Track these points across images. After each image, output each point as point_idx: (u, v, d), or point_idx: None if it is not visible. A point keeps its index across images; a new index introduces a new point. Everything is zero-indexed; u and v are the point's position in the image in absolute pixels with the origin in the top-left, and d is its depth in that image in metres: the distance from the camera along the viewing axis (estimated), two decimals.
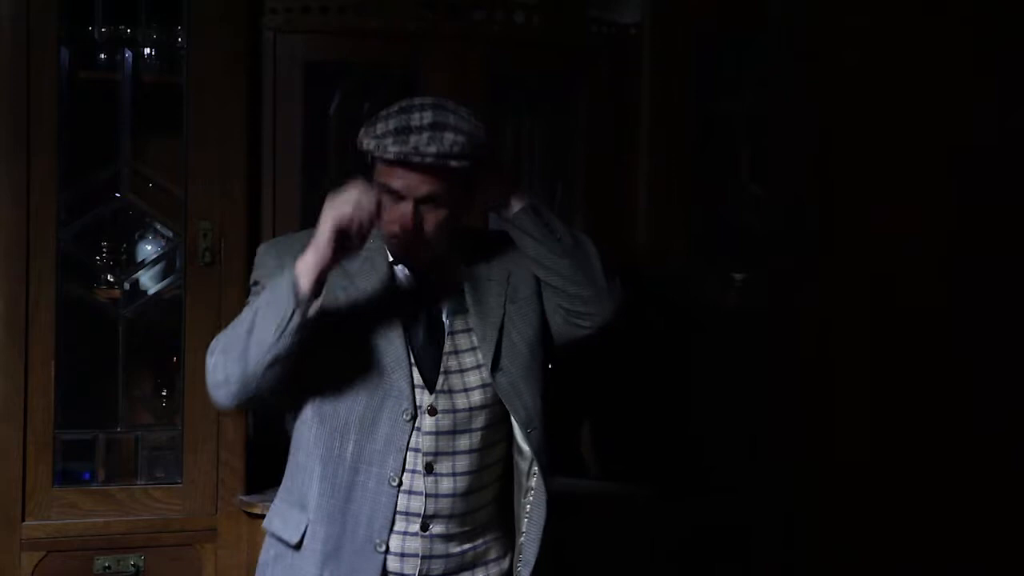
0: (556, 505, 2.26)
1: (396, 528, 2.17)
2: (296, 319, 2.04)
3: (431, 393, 2.18)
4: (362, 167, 2.22)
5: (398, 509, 2.16)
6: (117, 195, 2.97)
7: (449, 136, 2.08)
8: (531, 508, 2.25)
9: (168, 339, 2.97)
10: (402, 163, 2.09)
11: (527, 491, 2.25)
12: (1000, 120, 3.24)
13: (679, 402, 3.21)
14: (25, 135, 2.77)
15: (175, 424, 2.95)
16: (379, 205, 2.08)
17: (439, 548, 2.20)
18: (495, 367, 2.22)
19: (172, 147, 2.96)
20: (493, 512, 2.29)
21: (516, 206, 2.25)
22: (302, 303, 2.04)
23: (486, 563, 2.27)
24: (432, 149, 2.06)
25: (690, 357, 3.22)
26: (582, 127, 3.24)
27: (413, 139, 2.07)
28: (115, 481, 2.93)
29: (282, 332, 2.05)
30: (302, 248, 2.09)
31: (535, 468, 2.23)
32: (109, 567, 2.84)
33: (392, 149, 2.07)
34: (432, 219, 2.13)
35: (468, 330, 2.24)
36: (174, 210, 2.96)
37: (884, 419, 3.25)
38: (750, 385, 3.25)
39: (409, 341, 2.19)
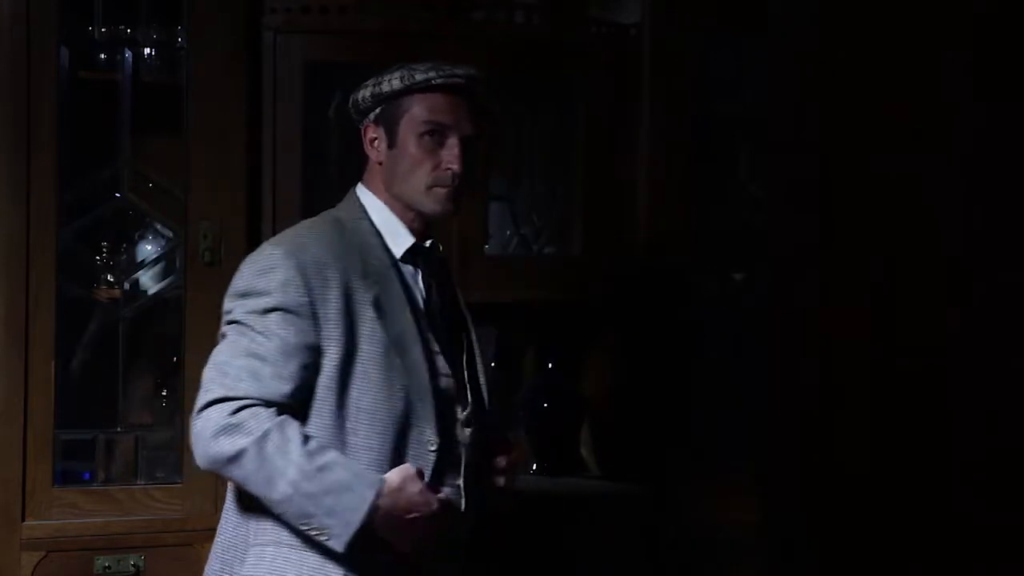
0: None
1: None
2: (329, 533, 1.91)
3: (463, 409, 2.14)
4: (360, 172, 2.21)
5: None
6: (117, 195, 2.96)
7: (465, 66, 2.07)
8: None
9: (168, 339, 2.97)
10: (442, 94, 2.02)
11: None
12: (1000, 120, 3.24)
13: (679, 402, 3.21)
14: (25, 135, 2.76)
15: (175, 424, 2.95)
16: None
17: None
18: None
19: (172, 147, 2.96)
20: None
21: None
22: (343, 534, 1.90)
23: None
24: (461, 71, 2.03)
25: (690, 357, 3.22)
26: (582, 127, 3.24)
27: (444, 69, 2.02)
28: (115, 481, 2.93)
29: (291, 502, 1.91)
30: (327, 251, 2.01)
31: None
32: (109, 567, 2.84)
33: (432, 74, 2.00)
34: (471, 164, 2.07)
35: (472, 342, 2.21)
36: (174, 210, 2.96)
37: (885, 420, 3.25)
38: (750, 385, 3.25)
39: (446, 354, 2.12)
